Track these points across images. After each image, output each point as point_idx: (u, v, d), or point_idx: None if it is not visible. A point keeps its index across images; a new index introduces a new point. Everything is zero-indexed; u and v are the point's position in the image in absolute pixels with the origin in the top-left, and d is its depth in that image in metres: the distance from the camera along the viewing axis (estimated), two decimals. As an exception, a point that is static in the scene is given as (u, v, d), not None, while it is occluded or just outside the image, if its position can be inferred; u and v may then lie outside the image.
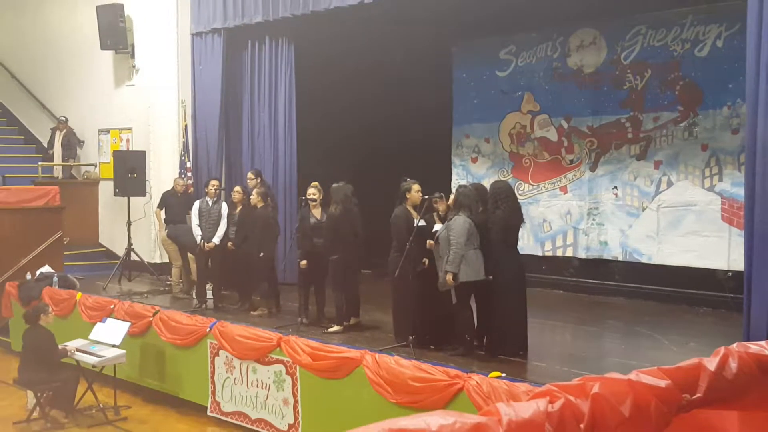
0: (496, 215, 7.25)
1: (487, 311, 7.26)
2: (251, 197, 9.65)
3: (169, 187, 11.61)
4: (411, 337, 7.44)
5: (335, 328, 8.43)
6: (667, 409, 1.65)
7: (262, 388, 8.01)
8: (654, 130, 10.55)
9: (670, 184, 10.40)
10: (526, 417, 1.49)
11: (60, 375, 8.56)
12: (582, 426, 1.53)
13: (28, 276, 11.68)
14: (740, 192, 8.78)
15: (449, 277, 7.07)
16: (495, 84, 12.18)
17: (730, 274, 9.54)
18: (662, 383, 1.67)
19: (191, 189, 11.88)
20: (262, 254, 9.30)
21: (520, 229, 7.58)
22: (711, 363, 1.76)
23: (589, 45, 11.16)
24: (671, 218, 10.35)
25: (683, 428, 1.71)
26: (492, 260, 7.13)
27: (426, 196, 7.66)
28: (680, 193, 10.29)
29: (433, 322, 7.57)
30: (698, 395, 1.70)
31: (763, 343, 1.88)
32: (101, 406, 8.68)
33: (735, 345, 1.86)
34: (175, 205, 11.17)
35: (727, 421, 1.82)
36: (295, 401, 7.66)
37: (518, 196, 8.32)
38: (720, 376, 1.74)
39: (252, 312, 9.55)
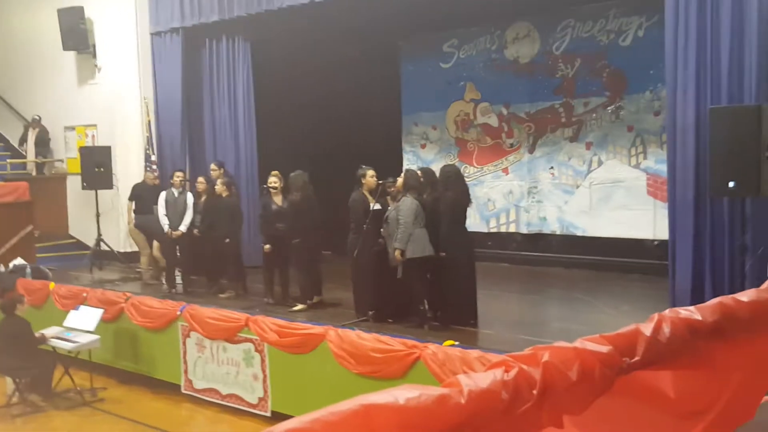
0: (447, 196, 7.34)
1: (440, 285, 7.35)
2: (216, 187, 9.58)
3: (139, 180, 11.45)
4: (370, 312, 7.52)
5: (299, 306, 8.44)
6: (609, 372, 1.72)
7: (232, 365, 8.01)
8: (584, 114, 10.74)
9: (600, 163, 10.61)
10: (484, 386, 1.54)
11: (37, 361, 8.45)
12: (534, 392, 1.60)
13: (2, 268, 11.45)
14: (663, 168, 9.01)
15: (397, 253, 7.14)
16: (440, 75, 12.25)
17: (656, 242, 9.80)
18: (604, 349, 1.75)
19: (157, 181, 11.73)
20: (228, 240, 9.26)
21: (468, 209, 7.68)
22: (647, 328, 1.84)
23: (523, 37, 11.29)
24: (602, 194, 10.58)
25: (624, 388, 1.79)
26: (443, 238, 7.22)
27: (380, 182, 7.72)
28: (610, 171, 10.52)
29: (390, 297, 7.64)
30: (636, 358, 1.78)
31: (692, 308, 1.97)
32: (78, 389, 8.59)
33: (667, 311, 1.95)
34: (145, 197, 11.00)
35: (662, 381, 1.91)
36: (264, 376, 7.68)
37: (465, 178, 8.41)
38: (655, 340, 1.82)
39: (220, 294, 9.51)
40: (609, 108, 10.49)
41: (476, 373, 1.61)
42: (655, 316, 1.93)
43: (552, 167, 11.09)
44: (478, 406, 1.45)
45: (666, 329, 1.84)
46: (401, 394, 1.52)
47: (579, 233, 10.80)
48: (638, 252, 9.99)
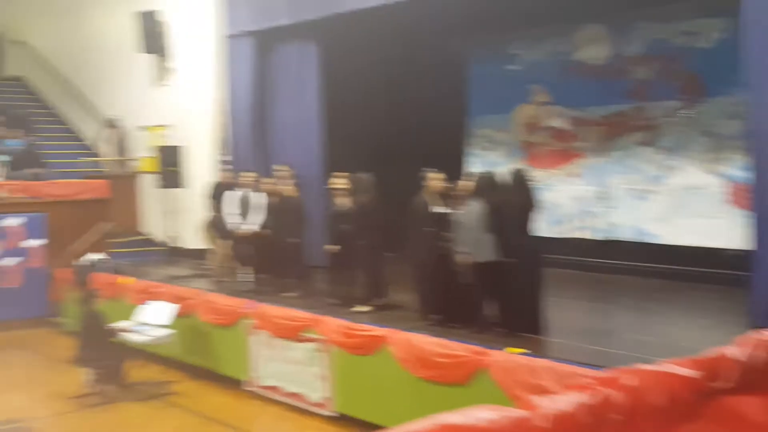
0: (513, 201, 7.18)
1: (507, 291, 7.18)
2: (283, 188, 9.63)
3: (207, 179, 11.61)
4: (435, 316, 7.41)
5: (364, 308, 8.39)
6: (696, 397, 1.60)
7: (297, 364, 8.02)
8: (659, 119, 10.38)
9: (676, 169, 10.24)
10: (566, 410, 1.44)
11: (113, 353, 8.65)
12: (618, 417, 1.48)
13: (81, 262, 11.80)
14: (742, 175, 8.63)
15: (463, 258, 7.01)
16: (507, 78, 12.04)
17: (733, 252, 9.37)
18: (691, 373, 1.62)
19: (233, 180, 11.84)
20: (294, 240, 9.29)
21: (535, 214, 7.49)
22: (736, 352, 1.70)
23: (595, 40, 10.99)
24: (677, 201, 10.19)
25: (711, 415, 1.66)
26: (509, 243, 7.05)
27: (444, 185, 7.61)
28: (685, 177, 10.13)
29: (454, 301, 7.51)
30: (724, 383, 1.64)
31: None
32: (150, 381, 8.76)
33: (754, 332, 1.80)
34: (221, 195, 11.16)
35: (751, 407, 1.77)
36: (328, 376, 7.66)
37: (532, 182, 8.22)
38: (744, 364, 1.68)
39: (286, 294, 9.54)
40: (684, 112, 10.12)
41: (556, 395, 1.50)
42: (744, 337, 1.78)
43: (624, 173, 10.76)
44: (559, 430, 1.35)
45: (756, 352, 1.70)
46: (480, 415, 1.42)
47: (652, 241, 10.44)
48: (714, 262, 9.55)
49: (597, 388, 1.50)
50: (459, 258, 7.04)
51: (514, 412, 1.40)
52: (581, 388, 1.51)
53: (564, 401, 1.46)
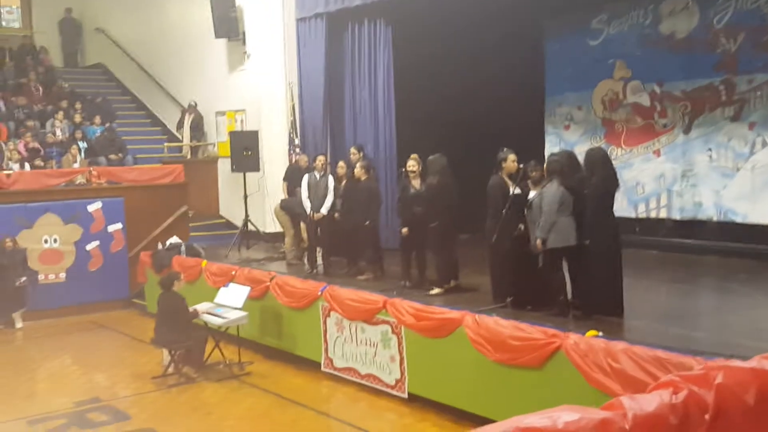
0: (592, 182, 7.02)
1: (584, 273, 7.07)
2: (355, 170, 9.70)
3: (281, 163, 11.80)
4: (509, 299, 7.36)
5: (436, 290, 8.41)
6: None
7: (370, 346, 8.11)
8: (748, 93, 9.98)
9: (765, 144, 9.83)
10: (651, 410, 1.40)
11: (191, 335, 8.91)
12: (707, 417, 1.43)
13: (159, 246, 12.20)
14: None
15: (539, 242, 6.94)
16: (587, 53, 11.78)
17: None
18: None
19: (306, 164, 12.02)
20: (367, 223, 9.37)
21: (615, 194, 7.33)
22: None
23: (680, 11, 10.62)
24: (766, 178, 9.80)
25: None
26: (588, 225, 6.93)
27: (521, 165, 7.51)
28: (775, 153, 9.74)
29: (529, 284, 7.44)
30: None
31: None
32: (227, 362, 8.99)
33: None
34: (297, 178, 11.36)
35: None
36: (401, 358, 7.72)
37: (612, 160, 8.04)
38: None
39: (359, 276, 9.64)
40: (775, 85, 9.70)
41: (641, 395, 1.46)
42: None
43: (710, 149, 10.41)
44: (644, 431, 1.32)
45: None
46: (560, 416, 1.39)
47: (738, 220, 10.08)
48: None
49: (683, 386, 1.45)
50: (536, 243, 6.96)
51: (597, 414, 1.36)
52: (666, 385, 1.46)
53: (649, 401, 1.42)
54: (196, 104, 15.10)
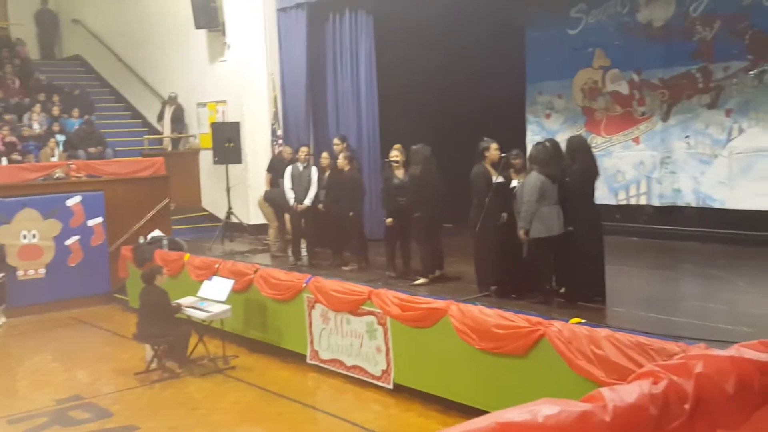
0: (573, 169, 7.10)
1: (566, 260, 7.14)
2: (338, 161, 9.70)
3: (264, 154, 11.76)
4: (493, 287, 7.42)
5: (421, 280, 8.46)
6: (768, 384, 1.55)
7: (356, 337, 8.13)
8: (724, 80, 10.08)
9: (741, 131, 9.96)
10: (631, 401, 1.42)
11: (174, 329, 8.86)
12: (687, 406, 1.45)
13: (141, 240, 12.12)
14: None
15: (521, 232, 7.00)
16: (566, 42, 11.81)
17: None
18: (764, 357, 1.58)
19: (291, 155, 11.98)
20: (351, 213, 9.38)
21: (596, 181, 7.40)
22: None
23: (658, 0, 10.71)
24: (743, 164, 9.93)
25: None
26: (570, 212, 6.99)
27: (503, 154, 7.56)
28: (752, 139, 9.85)
29: (513, 272, 7.51)
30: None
31: None
32: (212, 356, 8.95)
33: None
34: (280, 170, 11.32)
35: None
36: (387, 349, 7.75)
37: (592, 148, 8.10)
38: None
39: (343, 267, 9.67)
40: (751, 72, 9.80)
41: (620, 385, 1.48)
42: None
43: (688, 136, 10.51)
44: (625, 423, 1.34)
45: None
46: (540, 410, 1.41)
47: (716, 206, 10.21)
48: (782, 226, 9.35)
49: (663, 376, 1.48)
50: (520, 232, 7.01)
51: (576, 406, 1.38)
52: (645, 375, 1.50)
53: (629, 392, 1.45)
54: (176, 96, 15.00)
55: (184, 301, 9.16)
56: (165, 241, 11.75)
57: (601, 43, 11.43)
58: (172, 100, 15.03)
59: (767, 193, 9.60)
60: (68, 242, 12.20)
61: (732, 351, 1.49)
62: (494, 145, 7.68)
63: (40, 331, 11.21)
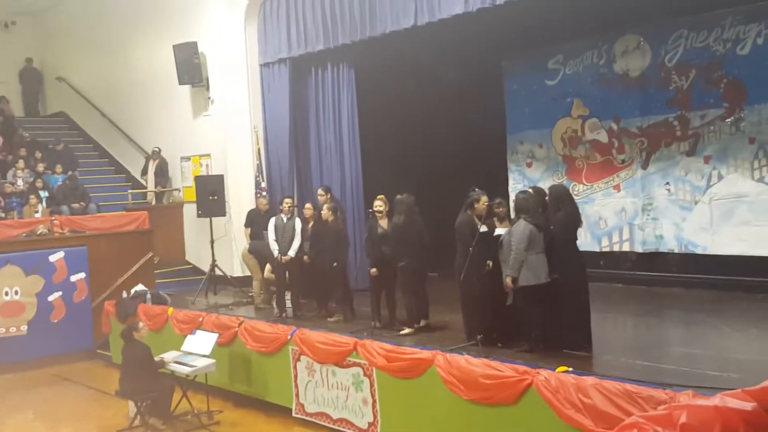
0: (558, 217, 7.14)
1: (552, 307, 7.11)
2: (322, 212, 9.70)
3: (249, 207, 11.76)
4: (479, 336, 7.36)
5: (407, 330, 8.39)
6: (753, 433, 1.53)
7: (342, 389, 8.01)
8: (702, 127, 10.25)
9: (720, 177, 10.09)
10: None
11: (157, 385, 8.69)
12: None
13: (124, 294, 11.98)
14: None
15: (508, 280, 6.98)
16: (545, 92, 12.02)
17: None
18: (748, 406, 1.55)
19: (266, 207, 12.01)
20: (335, 264, 9.34)
21: (579, 229, 7.43)
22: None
23: (633, 50, 10.93)
24: (724, 210, 10.03)
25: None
26: (555, 259, 7.00)
27: (487, 203, 7.58)
28: (731, 185, 9.98)
29: (499, 321, 7.46)
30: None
31: None
32: (196, 411, 8.79)
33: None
34: (259, 222, 11.30)
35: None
36: (374, 401, 7.63)
37: (574, 196, 8.15)
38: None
39: (328, 318, 9.59)
40: (728, 120, 9.98)
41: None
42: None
43: (668, 183, 10.63)
44: None
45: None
46: None
47: (699, 251, 10.28)
48: (763, 270, 9.39)
49: (648, 427, 1.45)
50: (507, 280, 7.00)
51: None
52: (631, 427, 1.47)
53: None
54: (159, 150, 15.02)
55: (168, 355, 9.01)
56: (148, 296, 11.62)
57: (579, 93, 11.62)
58: (156, 154, 15.04)
59: (749, 238, 9.69)
60: (51, 298, 12.02)
61: (716, 400, 1.46)
62: (484, 198, 7.68)
63: (22, 389, 10.97)
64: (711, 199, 10.15)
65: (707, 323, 8.22)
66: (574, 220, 7.23)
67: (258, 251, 10.99)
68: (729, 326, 7.94)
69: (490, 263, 7.43)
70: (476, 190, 7.76)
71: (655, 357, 6.82)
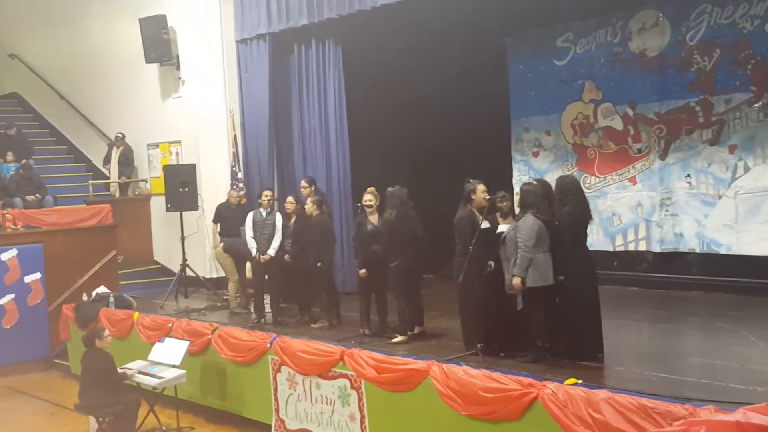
0: (564, 212, 7.15)
1: (559, 313, 7.14)
2: (306, 206, 9.69)
3: (223, 200, 11.76)
4: (479, 345, 7.37)
5: (399, 338, 8.40)
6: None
7: (327, 403, 8.02)
8: (727, 113, 10.29)
9: (747, 169, 10.13)
10: None
11: (121, 398, 8.67)
12: None
13: (84, 297, 11.95)
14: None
15: (517, 281, 6.99)
16: (553, 74, 12.03)
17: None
18: None
19: (244, 200, 12.00)
20: (319, 264, 9.34)
21: (589, 225, 7.45)
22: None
23: (651, 27, 10.95)
24: (750, 205, 10.08)
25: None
26: (561, 259, 7.02)
27: (488, 197, 7.59)
28: (758, 178, 10.03)
29: (501, 327, 7.48)
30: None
31: None
32: (164, 428, 8.83)
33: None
34: (229, 217, 11.30)
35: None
36: (362, 416, 7.64)
37: (585, 189, 8.17)
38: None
39: (312, 325, 9.60)
40: (756, 105, 10.02)
41: None
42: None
43: (688, 175, 10.67)
44: None
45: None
46: None
47: (722, 251, 10.32)
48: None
49: None
50: (515, 280, 7.01)
51: None
52: None
53: None
54: (123, 136, 14.97)
55: (133, 365, 9.02)
56: (111, 299, 11.59)
57: (591, 74, 11.64)
58: (119, 140, 14.99)
59: (777, 237, 9.75)
60: (2, 301, 12.01)
61: (738, 415, 1.47)
62: (481, 187, 7.69)
63: (-31, 403, 10.96)
64: (736, 193, 10.19)
65: (730, 331, 8.27)
66: (582, 216, 7.23)
67: (234, 250, 10.98)
68: (754, 334, 7.98)
69: (492, 263, 7.44)
70: (471, 180, 7.77)
71: (672, 368, 6.85)
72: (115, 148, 15.10)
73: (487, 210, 7.57)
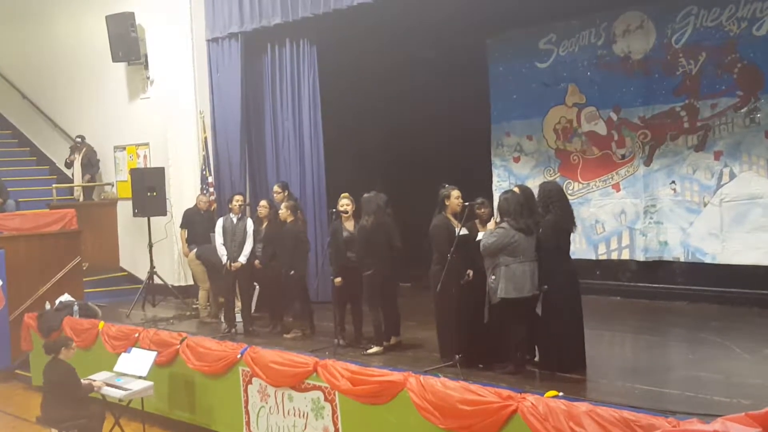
0: (547, 220, 7.19)
1: (541, 323, 7.18)
2: (279, 212, 9.69)
3: (191, 205, 11.72)
4: (457, 356, 7.40)
5: (374, 349, 8.41)
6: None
7: (300, 416, 8.02)
8: (712, 118, 10.40)
9: (732, 176, 10.25)
10: None
11: (84, 411, 8.59)
12: None
13: (47, 306, 11.87)
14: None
15: (494, 292, 7.04)
16: (535, 77, 12.11)
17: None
18: (752, 431, 1.60)
19: (214, 206, 11.97)
20: (292, 272, 9.33)
21: (572, 233, 7.49)
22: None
23: (636, 29, 11.05)
24: (736, 213, 10.20)
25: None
26: (543, 268, 7.06)
27: (467, 203, 7.62)
28: (744, 185, 10.14)
29: (480, 338, 7.51)
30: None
31: None
32: (130, 442, 8.77)
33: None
34: (198, 223, 11.29)
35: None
36: (336, 429, 7.65)
37: (567, 196, 8.23)
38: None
39: (285, 335, 9.59)
40: (742, 110, 10.14)
41: None
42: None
43: (673, 182, 10.78)
44: None
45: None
46: None
47: (707, 260, 10.43)
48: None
49: None
50: (490, 291, 7.04)
51: None
52: None
53: None
54: (83, 139, 14.88)
55: (98, 377, 8.96)
56: (76, 307, 11.52)
57: (574, 77, 11.73)
58: (82, 142, 14.89)
59: (764, 245, 9.86)
60: (-40, 310, 11.89)
61: (716, 425, 1.50)
62: (455, 193, 7.74)
63: (-77, 416, 10.84)
64: (722, 200, 10.30)
65: (715, 342, 8.35)
66: (565, 224, 7.28)
67: (206, 257, 10.94)
68: (739, 346, 8.07)
69: (470, 273, 7.47)
70: (446, 186, 7.80)
71: (656, 380, 6.90)
72: (77, 151, 14.99)
73: (465, 217, 7.60)
